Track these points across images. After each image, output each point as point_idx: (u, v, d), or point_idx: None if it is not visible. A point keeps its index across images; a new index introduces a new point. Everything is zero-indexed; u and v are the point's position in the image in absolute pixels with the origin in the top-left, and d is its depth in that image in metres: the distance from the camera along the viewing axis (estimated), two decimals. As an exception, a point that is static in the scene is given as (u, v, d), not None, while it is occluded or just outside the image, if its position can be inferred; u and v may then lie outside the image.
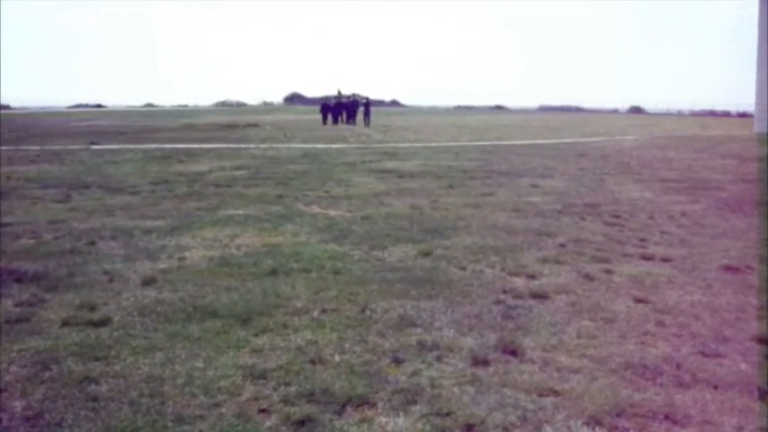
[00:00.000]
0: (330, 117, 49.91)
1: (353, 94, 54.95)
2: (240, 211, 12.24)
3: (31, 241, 9.75)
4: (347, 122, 49.57)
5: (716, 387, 5.00)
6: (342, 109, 50.79)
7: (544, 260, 8.74)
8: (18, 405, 4.63)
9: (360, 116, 50.27)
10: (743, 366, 5.40)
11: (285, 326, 6.21)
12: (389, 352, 5.61)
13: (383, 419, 4.47)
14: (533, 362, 5.46)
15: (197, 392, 4.83)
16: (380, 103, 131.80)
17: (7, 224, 10.93)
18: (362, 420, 4.45)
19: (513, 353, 5.62)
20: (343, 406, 4.65)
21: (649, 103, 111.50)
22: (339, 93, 53.50)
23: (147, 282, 7.63)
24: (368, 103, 51.08)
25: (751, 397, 4.84)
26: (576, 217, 11.93)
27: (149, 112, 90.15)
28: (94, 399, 4.74)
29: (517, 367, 5.34)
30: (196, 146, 27.92)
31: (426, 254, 8.96)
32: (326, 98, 52.80)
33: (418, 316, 6.51)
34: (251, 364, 5.32)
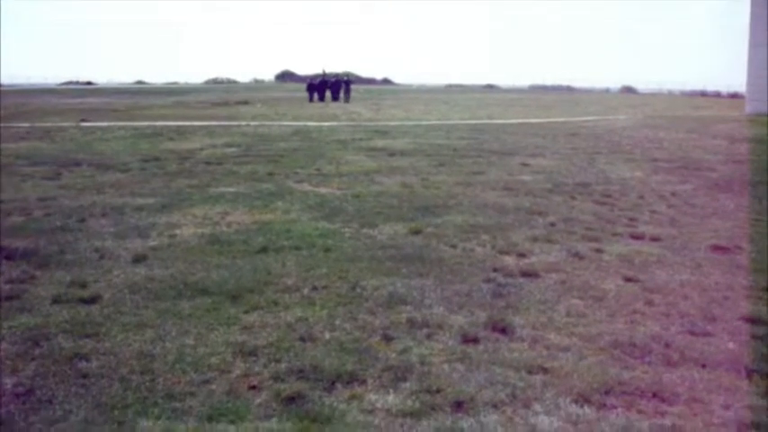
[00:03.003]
0: (316, 95, 52.70)
1: (337, 74, 59.42)
2: (231, 189, 12.23)
3: (22, 218, 9.73)
4: (332, 99, 52.38)
5: (704, 366, 5.04)
6: (326, 87, 53.85)
7: (534, 239, 8.75)
8: (9, 382, 4.64)
9: (341, 93, 53.91)
10: (731, 345, 5.44)
11: (275, 303, 6.22)
12: (379, 329, 5.64)
13: (373, 396, 4.49)
14: (523, 340, 5.49)
15: (187, 369, 4.85)
16: (372, 81, 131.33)
17: (-3, 201, 10.89)
18: (352, 397, 4.48)
19: (503, 331, 5.64)
20: (333, 383, 4.67)
21: (641, 83, 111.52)
22: (324, 72, 56.85)
23: (138, 259, 7.62)
24: (348, 82, 55.48)
25: (738, 375, 4.88)
26: (567, 196, 11.94)
27: (140, 89, 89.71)
28: (85, 375, 4.75)
29: (507, 345, 5.37)
30: (187, 123, 27.83)
31: (417, 232, 8.97)
32: (313, 77, 55.69)
33: (408, 294, 6.53)
34: (241, 342, 5.34)
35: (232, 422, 4.20)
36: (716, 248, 8.46)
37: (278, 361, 5.00)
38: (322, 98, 52.13)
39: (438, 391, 4.56)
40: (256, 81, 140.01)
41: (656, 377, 4.83)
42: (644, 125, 29.69)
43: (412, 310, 6.11)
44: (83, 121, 28.35)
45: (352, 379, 4.73)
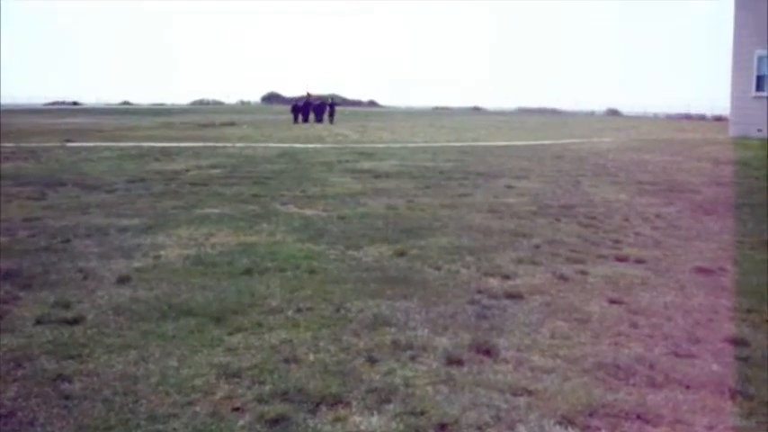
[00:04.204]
0: (300, 117, 53.49)
1: (322, 96, 60.98)
2: (216, 210, 12.21)
3: (6, 239, 9.68)
4: (316, 121, 53.13)
5: (688, 387, 5.05)
6: (310, 109, 54.68)
7: (519, 261, 8.77)
8: (-10, 403, 4.60)
9: (325, 115, 54.72)
10: (715, 367, 5.46)
11: (260, 325, 6.20)
12: (364, 351, 5.63)
13: (357, 418, 4.48)
14: (507, 362, 5.49)
15: (171, 391, 4.83)
16: (358, 103, 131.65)
17: (-20, 221, 10.83)
18: (336, 419, 4.46)
19: (488, 353, 5.64)
20: (317, 405, 4.66)
21: (626, 106, 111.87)
22: (308, 94, 58.14)
23: (122, 280, 7.59)
24: (332, 104, 56.46)
25: (722, 397, 4.90)
26: (552, 218, 11.98)
27: (126, 110, 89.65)
28: (68, 397, 4.72)
29: (491, 367, 5.37)
30: (173, 144, 27.79)
31: (402, 254, 8.98)
32: (299, 99, 57.02)
33: (393, 315, 6.52)
34: (225, 363, 5.32)
35: (215, 444, 4.18)
36: (700, 270, 8.50)
37: (262, 383, 4.98)
38: (306, 120, 52.99)
39: (422, 413, 4.55)
40: (243, 103, 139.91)
41: (640, 399, 4.84)
42: (628, 148, 29.82)
43: (396, 331, 6.11)
44: (68, 141, 28.27)
45: (336, 401, 4.72)
